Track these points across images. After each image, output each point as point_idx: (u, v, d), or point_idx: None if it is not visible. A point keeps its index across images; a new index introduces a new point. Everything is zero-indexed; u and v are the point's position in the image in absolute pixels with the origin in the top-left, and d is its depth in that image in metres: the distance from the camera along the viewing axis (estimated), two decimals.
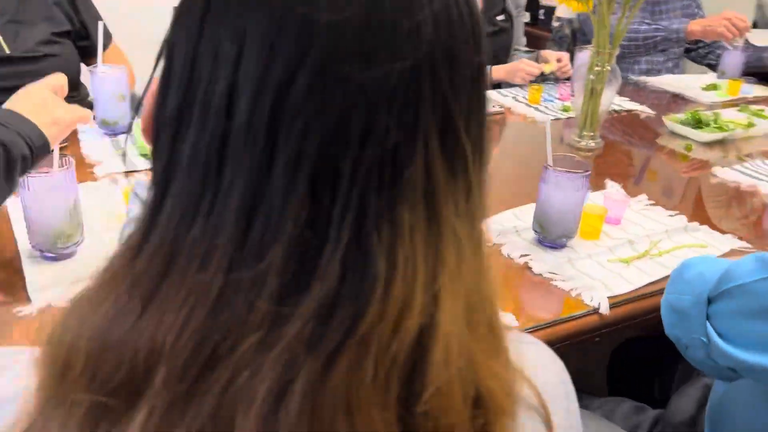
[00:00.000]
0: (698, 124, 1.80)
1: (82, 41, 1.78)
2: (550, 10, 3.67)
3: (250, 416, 0.31)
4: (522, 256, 1.10)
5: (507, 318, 0.93)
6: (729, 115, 1.92)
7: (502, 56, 2.44)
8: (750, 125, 1.84)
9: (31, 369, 0.36)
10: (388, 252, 0.33)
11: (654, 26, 2.21)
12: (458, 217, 0.36)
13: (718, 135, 1.76)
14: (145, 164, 1.34)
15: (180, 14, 0.36)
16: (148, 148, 1.23)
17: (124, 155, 1.37)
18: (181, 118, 0.35)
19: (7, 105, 0.89)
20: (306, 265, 0.33)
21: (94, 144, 1.45)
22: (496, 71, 2.20)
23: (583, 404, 1.10)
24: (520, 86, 2.13)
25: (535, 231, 1.14)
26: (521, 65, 2.16)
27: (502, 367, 0.38)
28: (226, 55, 0.33)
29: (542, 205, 1.11)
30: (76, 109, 0.97)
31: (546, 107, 1.95)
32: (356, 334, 0.32)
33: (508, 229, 1.19)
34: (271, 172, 0.32)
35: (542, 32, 3.53)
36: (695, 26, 2.27)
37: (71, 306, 0.36)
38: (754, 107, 2.02)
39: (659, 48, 2.30)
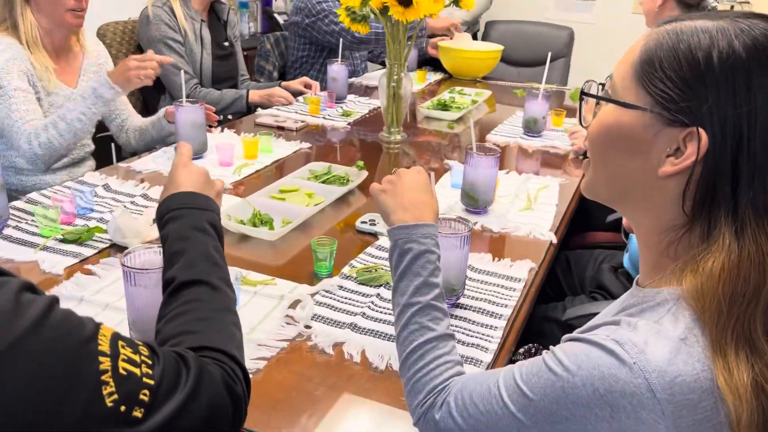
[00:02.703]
0: (444, 107, 2.33)
1: None
2: None
3: None
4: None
5: None
6: (457, 98, 2.49)
7: (235, 75, 2.62)
8: (474, 101, 2.45)
9: None
10: None
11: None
12: None
13: (461, 112, 2.32)
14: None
15: (727, 85, 0.57)
16: (56, 229, 1.21)
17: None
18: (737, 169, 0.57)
19: (180, 186, 0.88)
20: None
21: None
22: (253, 94, 2.38)
23: None
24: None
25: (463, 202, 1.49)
26: (276, 91, 2.39)
27: None
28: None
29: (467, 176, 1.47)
30: (218, 179, 0.98)
31: (329, 115, 2.26)
32: None
33: None
34: None
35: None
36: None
37: None
38: (458, 88, 2.65)
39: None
